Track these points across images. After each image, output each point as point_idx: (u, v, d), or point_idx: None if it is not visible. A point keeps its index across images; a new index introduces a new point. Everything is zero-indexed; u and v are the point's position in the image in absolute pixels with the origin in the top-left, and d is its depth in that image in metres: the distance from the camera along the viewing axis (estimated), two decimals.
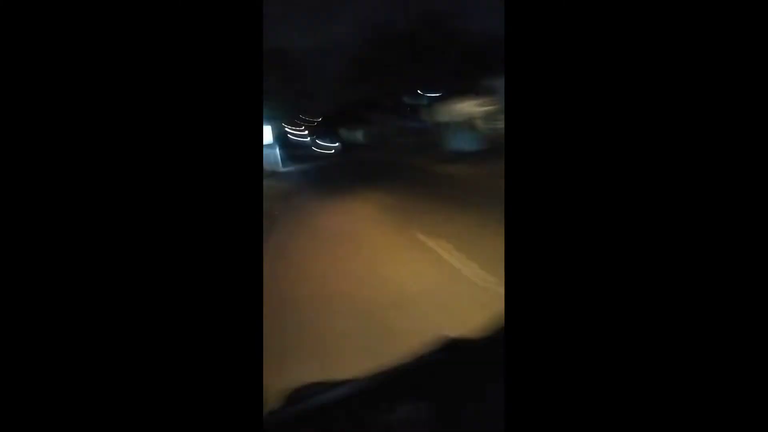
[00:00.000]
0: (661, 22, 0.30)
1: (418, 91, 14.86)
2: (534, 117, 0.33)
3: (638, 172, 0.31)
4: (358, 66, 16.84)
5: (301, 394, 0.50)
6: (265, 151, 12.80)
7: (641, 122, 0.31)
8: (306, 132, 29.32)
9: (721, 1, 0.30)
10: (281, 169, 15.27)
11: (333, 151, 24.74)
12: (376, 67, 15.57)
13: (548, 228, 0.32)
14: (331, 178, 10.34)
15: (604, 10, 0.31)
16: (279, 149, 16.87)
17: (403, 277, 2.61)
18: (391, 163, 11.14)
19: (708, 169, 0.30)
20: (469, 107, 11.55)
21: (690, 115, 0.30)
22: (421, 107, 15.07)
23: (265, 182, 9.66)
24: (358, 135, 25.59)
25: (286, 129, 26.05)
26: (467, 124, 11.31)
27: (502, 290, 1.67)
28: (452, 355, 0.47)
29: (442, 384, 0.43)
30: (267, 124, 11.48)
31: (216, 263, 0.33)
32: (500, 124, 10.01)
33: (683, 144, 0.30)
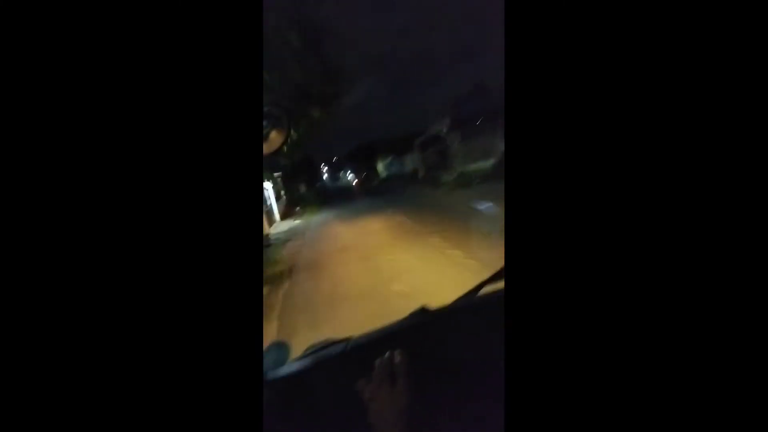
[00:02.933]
0: (659, 44, 0.31)
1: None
2: (533, 119, 0.33)
3: (637, 177, 0.31)
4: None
5: (318, 345, 0.65)
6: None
7: (637, 128, 0.31)
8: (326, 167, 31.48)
9: (716, 6, 0.29)
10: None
11: (350, 182, 27.04)
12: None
13: (547, 228, 0.33)
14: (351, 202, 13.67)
15: (604, 17, 0.32)
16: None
17: (402, 261, 3.90)
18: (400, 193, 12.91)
19: (698, 184, 0.30)
20: None
21: (687, 123, 0.30)
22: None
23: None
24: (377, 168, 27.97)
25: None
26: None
27: (471, 263, 3.01)
28: (428, 318, 0.63)
29: (417, 341, 0.57)
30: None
31: (216, 260, 0.34)
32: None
33: (679, 154, 0.30)
